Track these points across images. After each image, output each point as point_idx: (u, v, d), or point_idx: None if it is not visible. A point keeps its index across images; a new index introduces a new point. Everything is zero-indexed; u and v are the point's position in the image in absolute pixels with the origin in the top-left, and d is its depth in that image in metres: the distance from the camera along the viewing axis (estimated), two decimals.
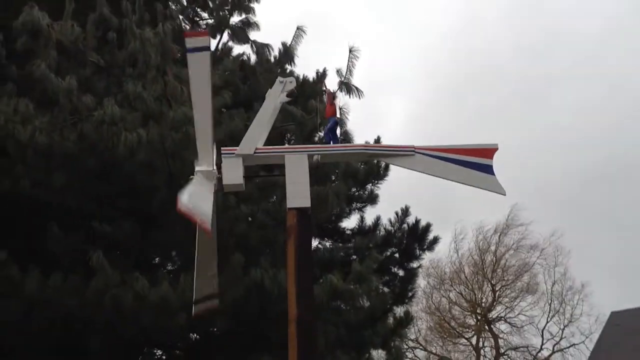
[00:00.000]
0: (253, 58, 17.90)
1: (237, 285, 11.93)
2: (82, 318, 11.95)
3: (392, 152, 6.91)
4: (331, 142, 7.23)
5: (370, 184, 19.30)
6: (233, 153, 6.46)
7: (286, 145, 7.16)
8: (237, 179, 6.29)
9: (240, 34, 16.84)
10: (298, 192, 6.28)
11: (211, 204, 5.78)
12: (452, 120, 59.62)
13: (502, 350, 36.72)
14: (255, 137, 6.62)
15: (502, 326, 37.76)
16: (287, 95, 6.98)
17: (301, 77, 19.73)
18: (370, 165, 19.27)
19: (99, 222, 12.76)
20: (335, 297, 12.37)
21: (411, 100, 63.74)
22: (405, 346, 37.22)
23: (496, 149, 6.51)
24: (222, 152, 6.47)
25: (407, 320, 19.40)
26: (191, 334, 13.96)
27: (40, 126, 11.71)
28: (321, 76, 19.15)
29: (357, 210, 19.43)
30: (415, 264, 19.49)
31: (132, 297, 11.45)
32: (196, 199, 5.68)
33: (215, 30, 16.72)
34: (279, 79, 7.04)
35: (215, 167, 6.30)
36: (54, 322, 12.01)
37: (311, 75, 19.35)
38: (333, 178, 14.54)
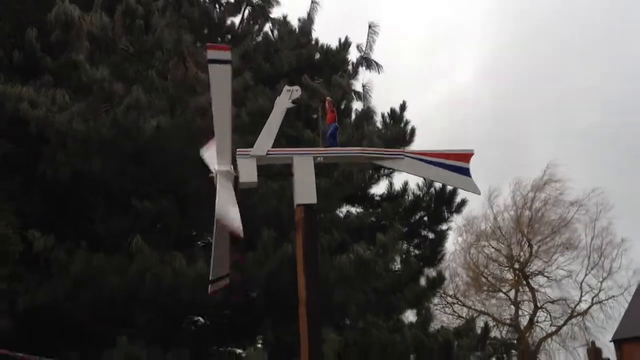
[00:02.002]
0: (274, 34, 18.40)
1: (270, 260, 12.60)
2: (126, 294, 12.75)
3: (385, 156, 7.66)
4: (333, 146, 7.80)
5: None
6: (248, 154, 7.06)
7: (294, 148, 7.65)
8: (252, 177, 6.92)
9: (261, 11, 17.19)
10: (305, 190, 6.90)
11: (237, 207, 6.41)
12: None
13: (539, 304, 37.16)
14: (268, 139, 7.18)
15: (540, 280, 38.16)
16: (293, 102, 7.52)
17: (325, 46, 20.23)
18: (397, 131, 19.75)
19: (139, 201, 13.58)
20: (361, 266, 12.96)
21: (481, 51, 62.59)
22: (444, 302, 37.98)
23: (472, 154, 7.33)
24: (238, 153, 7.06)
25: (439, 280, 20.01)
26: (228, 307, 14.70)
27: (77, 113, 12.39)
28: (344, 44, 19.55)
29: (385, 177, 19.98)
30: (444, 226, 20.05)
31: (170, 275, 12.22)
32: (225, 206, 6.31)
33: (235, 8, 17.12)
34: (286, 87, 7.61)
35: (232, 167, 6.92)
36: (99, 299, 12.85)
37: (334, 44, 19.85)
38: None
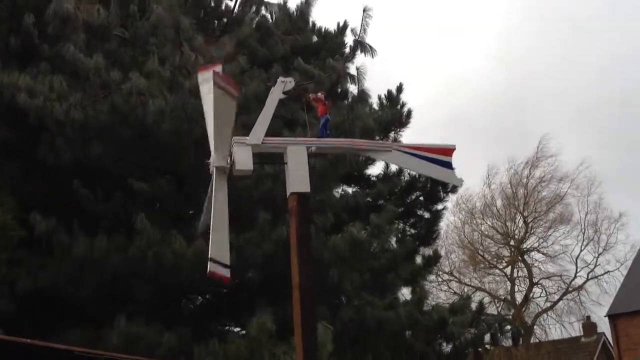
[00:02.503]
0: (272, 17, 18.54)
1: (265, 241, 12.89)
2: (127, 273, 13.04)
3: (374, 148, 8.06)
4: (324, 137, 8.12)
5: (393, 132, 20.06)
6: (244, 142, 7.32)
7: (288, 138, 7.95)
8: (248, 165, 7.20)
9: None
10: (298, 179, 7.18)
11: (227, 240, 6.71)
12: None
13: (535, 280, 37.62)
14: (263, 128, 7.44)
15: (536, 256, 38.58)
16: (284, 93, 7.78)
17: (322, 30, 20.38)
18: (393, 113, 19.99)
19: (136, 181, 13.85)
20: (355, 247, 13.26)
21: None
22: (440, 279, 38.40)
23: (454, 149, 7.75)
24: (235, 140, 7.31)
25: (435, 258, 20.38)
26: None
27: (75, 103, 12.61)
28: (342, 28, 19.72)
29: None
30: (440, 206, 20.37)
31: (171, 254, 12.51)
32: (220, 243, 6.66)
33: None
34: (280, 78, 7.87)
35: (228, 163, 7.18)
36: (101, 280, 13.14)
37: (332, 27, 20.01)
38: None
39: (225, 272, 6.87)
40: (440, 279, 38.25)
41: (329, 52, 18.77)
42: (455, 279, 38.81)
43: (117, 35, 14.58)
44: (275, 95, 7.65)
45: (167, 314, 13.85)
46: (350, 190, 19.51)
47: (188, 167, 13.78)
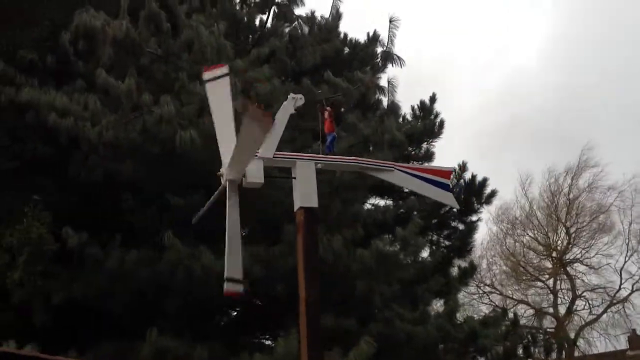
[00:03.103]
0: (302, 30, 18.72)
1: (292, 254, 12.97)
2: (158, 287, 13.26)
3: (377, 167, 8.22)
4: (331, 154, 8.29)
5: (426, 143, 20.05)
6: (256, 155, 7.46)
7: (297, 153, 8.10)
8: (259, 177, 7.36)
9: (286, 10, 17.53)
10: (306, 193, 7.32)
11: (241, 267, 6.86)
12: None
13: (578, 292, 36.95)
14: (274, 142, 7.60)
15: (579, 267, 37.92)
16: (295, 110, 7.96)
17: (353, 40, 20.51)
18: (426, 124, 20.00)
19: (172, 196, 14.08)
20: (381, 260, 13.29)
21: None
22: (481, 291, 38.02)
23: (452, 172, 7.95)
24: None
25: (471, 270, 20.26)
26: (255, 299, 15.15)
27: (107, 125, 12.93)
28: (372, 38, 19.82)
29: None
30: (474, 217, 20.25)
31: (200, 269, 12.69)
32: (232, 270, 6.83)
33: (261, 7, 17.48)
34: (291, 95, 8.04)
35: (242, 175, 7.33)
36: (132, 293, 13.38)
37: (363, 38, 20.12)
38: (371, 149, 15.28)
39: (239, 288, 7.01)
40: (481, 291, 37.92)
41: (360, 63, 18.92)
42: (497, 292, 38.39)
43: (150, 51, 14.84)
44: (286, 110, 7.82)
45: (198, 327, 14.03)
46: (382, 202, 19.60)
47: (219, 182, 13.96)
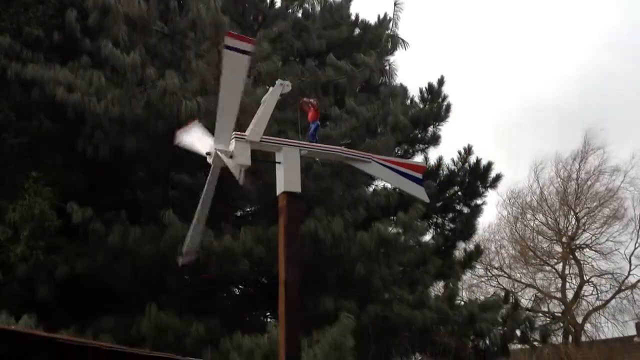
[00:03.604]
0: (314, 10, 18.72)
1: None
2: (160, 263, 13.44)
3: (356, 158, 8.35)
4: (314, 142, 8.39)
5: (432, 126, 20.08)
6: (244, 138, 7.59)
7: (283, 139, 8.19)
8: (246, 160, 7.48)
9: None
10: (290, 179, 7.43)
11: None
12: None
13: (586, 277, 36.86)
14: (262, 126, 7.70)
15: (589, 253, 37.77)
16: (281, 95, 8.04)
17: (364, 22, 20.47)
18: (432, 107, 20.00)
19: (176, 174, 14.23)
20: (381, 243, 13.41)
21: None
22: (490, 274, 38.05)
23: (425, 167, 8.25)
24: (235, 136, 7.57)
25: (477, 253, 20.35)
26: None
27: (113, 100, 13.04)
28: (382, 21, 19.77)
29: (420, 152, 20.31)
30: (479, 201, 20.31)
31: (201, 248, 12.82)
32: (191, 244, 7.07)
33: None
34: (279, 81, 8.08)
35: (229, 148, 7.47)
36: (135, 268, 13.58)
37: (373, 20, 20.09)
38: (379, 130, 15.31)
39: (193, 256, 7.38)
40: (489, 274, 37.93)
41: (370, 45, 18.89)
42: (505, 275, 38.37)
43: (157, 30, 14.92)
44: (274, 96, 7.89)
45: (199, 304, 14.23)
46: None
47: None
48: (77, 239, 13.33)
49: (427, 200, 8.83)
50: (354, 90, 15.90)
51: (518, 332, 16.07)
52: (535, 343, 17.05)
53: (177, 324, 12.75)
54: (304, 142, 8.23)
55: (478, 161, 19.87)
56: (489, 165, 19.94)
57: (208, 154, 7.58)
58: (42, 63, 13.73)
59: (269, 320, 16.11)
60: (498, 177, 20.08)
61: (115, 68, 13.69)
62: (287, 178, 7.46)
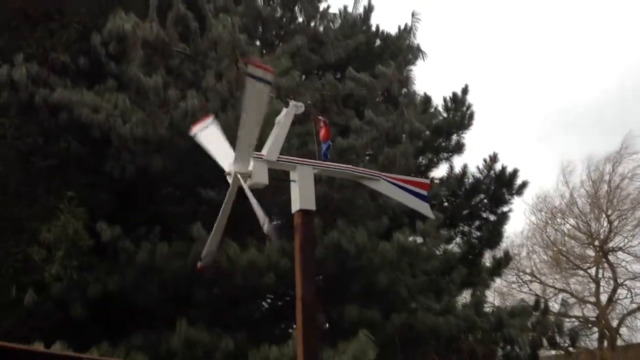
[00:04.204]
0: (334, 24, 19.00)
1: (317, 246, 13.34)
2: (188, 279, 13.72)
3: (366, 176, 8.67)
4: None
5: (456, 134, 20.22)
6: (261, 157, 7.85)
7: (297, 158, 8.44)
8: (263, 179, 7.74)
9: (310, 6, 17.75)
10: (305, 197, 7.66)
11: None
12: None
13: (620, 280, 36.48)
14: (278, 146, 7.97)
15: (622, 256, 37.39)
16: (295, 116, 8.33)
17: (384, 33, 20.69)
18: (455, 116, 20.14)
19: (204, 189, 14.51)
20: (403, 252, 13.56)
21: None
22: (521, 280, 37.84)
23: (429, 184, 8.86)
24: (253, 155, 7.82)
25: (506, 260, 20.35)
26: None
27: (136, 122, 13.43)
28: (403, 31, 19.96)
29: (445, 160, 20.47)
30: (505, 208, 20.38)
31: (226, 260, 13.11)
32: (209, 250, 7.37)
33: (287, 4, 17.76)
34: (292, 102, 8.30)
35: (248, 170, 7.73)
36: (164, 284, 13.87)
37: (393, 31, 20.29)
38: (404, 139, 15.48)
39: (210, 262, 7.66)
40: (520, 281, 37.72)
41: (391, 56, 19.13)
42: (537, 280, 38.12)
43: (179, 51, 15.28)
44: (288, 117, 8.14)
45: (228, 318, 14.48)
46: None
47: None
48: (107, 258, 13.66)
49: (432, 216, 9.18)
50: (374, 101, 16.10)
51: (546, 338, 16.05)
52: (566, 348, 16.97)
53: (206, 338, 12.97)
54: (318, 162, 8.50)
55: (504, 168, 20.02)
56: (515, 173, 20.08)
57: (228, 174, 7.85)
58: (70, 88, 14.13)
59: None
60: (524, 184, 20.21)
61: (139, 90, 14.06)
62: (302, 196, 7.71)
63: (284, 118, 8.17)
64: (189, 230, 13.54)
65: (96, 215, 13.72)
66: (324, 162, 8.60)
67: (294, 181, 7.87)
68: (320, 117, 9.25)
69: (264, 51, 16.19)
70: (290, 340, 12.20)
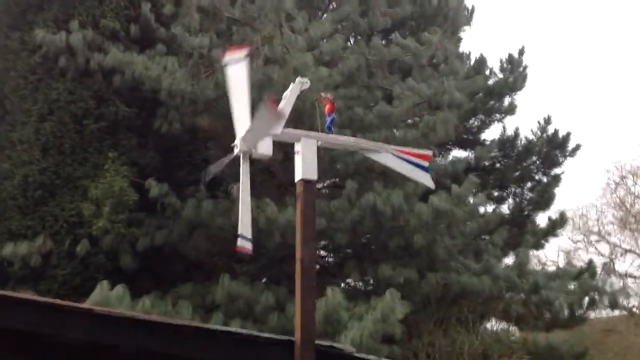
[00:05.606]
0: None
1: (353, 209, 13.75)
2: (233, 235, 14.33)
3: (369, 148, 8.88)
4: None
5: (508, 96, 20.11)
6: None
7: (301, 130, 8.64)
8: (268, 150, 8.04)
9: None
10: (308, 167, 7.90)
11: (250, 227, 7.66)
12: None
13: None
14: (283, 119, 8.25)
15: None
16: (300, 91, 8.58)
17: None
18: (507, 78, 20.00)
19: None
20: (437, 216, 13.83)
21: None
22: (587, 240, 37.30)
23: (430, 156, 8.65)
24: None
25: (561, 222, 20.25)
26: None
27: (180, 78, 14.03)
28: None
29: (497, 122, 20.43)
30: (558, 170, 20.26)
31: (264, 220, 13.62)
32: (244, 228, 7.65)
33: None
34: (298, 79, 8.51)
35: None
36: (211, 238, 14.55)
37: None
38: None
39: (250, 246, 7.82)
40: (587, 240, 37.17)
41: (445, 19, 19.13)
42: (605, 240, 37.50)
43: (228, 16, 15.73)
44: (294, 92, 8.38)
45: (271, 273, 15.12)
46: (468, 154, 19.92)
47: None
48: (155, 213, 14.42)
49: (432, 186, 9.15)
50: (420, 67, 16.21)
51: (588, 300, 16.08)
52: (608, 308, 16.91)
53: (247, 292, 13.59)
54: (322, 134, 8.69)
55: (556, 131, 19.84)
56: (568, 135, 19.89)
57: (234, 146, 8.13)
58: (122, 52, 14.81)
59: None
60: (578, 147, 20.00)
61: (187, 53, 14.62)
62: (304, 167, 7.92)
63: (290, 93, 8.42)
64: (229, 189, 14.10)
65: (145, 174, 14.50)
66: (329, 135, 8.79)
67: (298, 152, 8.14)
68: (325, 95, 9.45)
69: (310, 17, 16.41)
70: (324, 297, 12.61)
